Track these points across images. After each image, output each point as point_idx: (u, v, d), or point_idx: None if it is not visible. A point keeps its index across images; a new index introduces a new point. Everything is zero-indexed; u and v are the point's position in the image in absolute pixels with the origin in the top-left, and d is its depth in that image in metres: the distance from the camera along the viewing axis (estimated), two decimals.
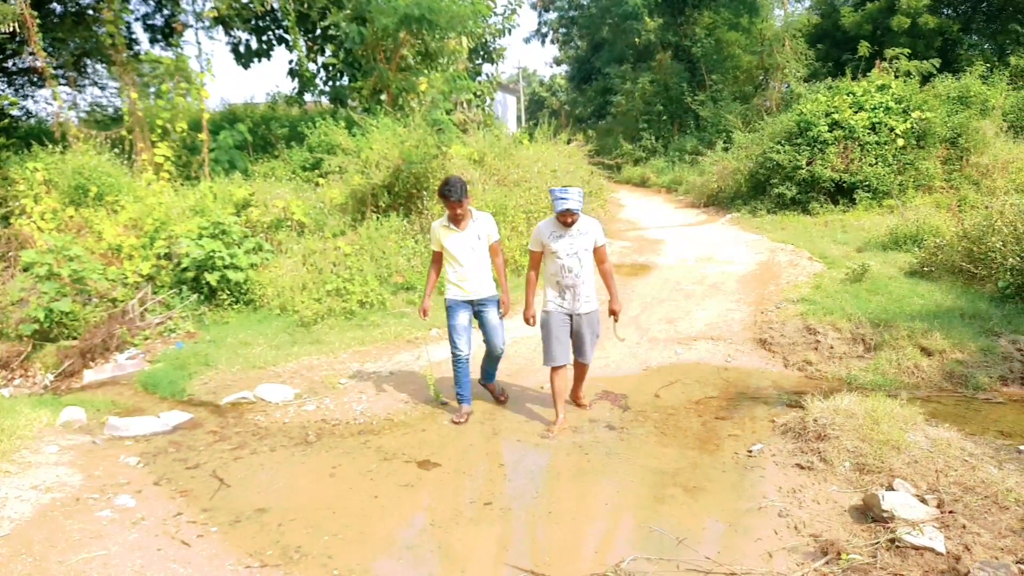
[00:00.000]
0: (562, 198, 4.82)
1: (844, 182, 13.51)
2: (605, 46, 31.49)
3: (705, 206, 16.86)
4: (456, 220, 5.21)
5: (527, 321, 5.19)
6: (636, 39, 27.61)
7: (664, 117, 25.42)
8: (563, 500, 4.15)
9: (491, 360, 5.65)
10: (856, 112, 13.98)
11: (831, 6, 25.00)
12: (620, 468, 4.59)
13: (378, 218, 9.56)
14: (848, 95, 14.45)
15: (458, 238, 5.26)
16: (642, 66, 27.26)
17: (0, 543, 3.65)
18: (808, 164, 13.78)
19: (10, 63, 13.77)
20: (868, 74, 15.55)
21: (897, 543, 3.41)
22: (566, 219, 4.87)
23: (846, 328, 6.81)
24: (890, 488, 3.88)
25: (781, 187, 14.12)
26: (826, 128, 13.86)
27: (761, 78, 24.21)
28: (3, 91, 14.58)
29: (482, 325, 5.42)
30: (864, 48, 18.17)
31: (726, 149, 18.12)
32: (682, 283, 9.45)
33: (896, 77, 15.30)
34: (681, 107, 24.81)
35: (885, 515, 3.61)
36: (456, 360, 5.42)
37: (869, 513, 3.73)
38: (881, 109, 13.92)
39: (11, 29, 9.40)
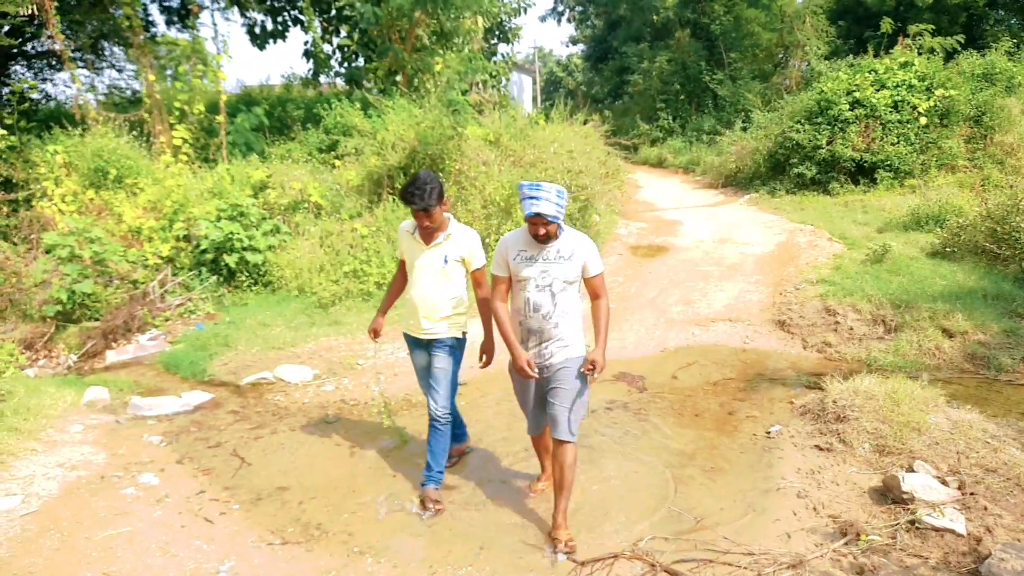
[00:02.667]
0: (531, 197, 3.35)
1: (865, 162, 13.31)
2: (622, 24, 31.10)
3: (723, 187, 16.70)
4: (424, 232, 3.90)
5: (521, 372, 3.55)
6: (654, 17, 27.22)
7: (682, 96, 25.10)
8: (580, 480, 4.16)
9: (430, 430, 4.05)
10: (878, 90, 13.74)
11: None
12: (637, 449, 4.60)
13: (394, 199, 9.55)
14: (870, 73, 14.21)
15: (421, 255, 3.94)
16: (659, 45, 26.90)
17: (29, 519, 3.73)
18: (828, 143, 13.60)
19: (29, 46, 13.83)
20: (891, 51, 15.28)
21: (917, 525, 3.39)
22: (537, 230, 3.40)
23: (866, 309, 6.75)
24: (910, 470, 3.86)
25: (800, 167, 13.94)
26: (847, 107, 13.64)
27: (781, 56, 23.84)
28: (23, 75, 14.69)
29: (428, 370, 4.10)
30: (887, 24, 17.82)
31: (745, 129, 17.90)
32: (699, 264, 9.39)
33: (919, 54, 15.02)
34: (699, 86, 24.49)
35: (905, 497, 3.60)
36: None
37: (889, 495, 3.72)
38: (904, 87, 13.67)
39: (29, 12, 9.43)
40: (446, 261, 3.93)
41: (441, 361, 4.02)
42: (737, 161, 16.53)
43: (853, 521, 3.49)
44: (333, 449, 4.75)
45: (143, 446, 4.80)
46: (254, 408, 5.55)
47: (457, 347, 4.08)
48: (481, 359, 4.01)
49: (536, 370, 3.54)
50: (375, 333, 4.34)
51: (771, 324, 7.09)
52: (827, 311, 6.95)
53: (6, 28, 10.47)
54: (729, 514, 3.75)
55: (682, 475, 4.21)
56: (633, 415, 5.14)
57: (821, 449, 4.33)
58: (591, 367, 3.48)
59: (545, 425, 3.79)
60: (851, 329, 6.61)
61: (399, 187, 9.74)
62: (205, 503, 4.03)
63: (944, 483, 3.71)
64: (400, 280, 4.24)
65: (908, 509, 3.52)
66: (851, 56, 16.40)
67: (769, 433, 4.68)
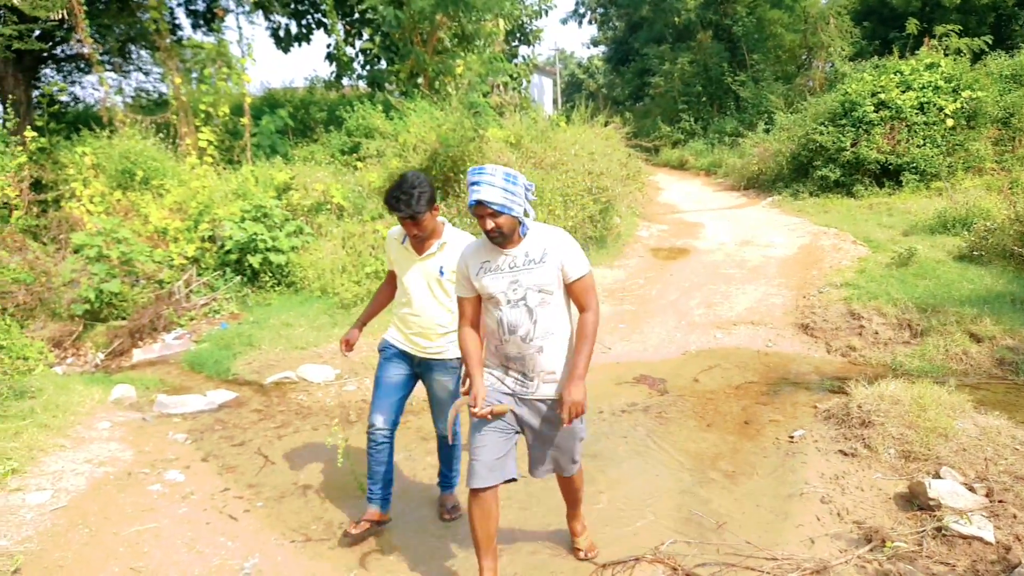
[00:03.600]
0: (472, 183, 2.76)
1: (890, 164, 13.15)
2: (644, 26, 31.02)
3: (745, 189, 16.59)
4: (415, 241, 3.47)
5: (470, 403, 2.89)
6: (676, 19, 27.14)
7: (703, 98, 24.99)
8: (601, 482, 4.16)
9: (442, 451, 3.87)
10: (904, 92, 13.57)
11: None
12: (659, 451, 4.58)
13: None
14: (895, 74, 14.04)
15: (414, 266, 3.50)
16: (681, 46, 26.79)
17: (59, 514, 3.80)
18: (853, 145, 13.46)
19: (59, 50, 14.05)
20: (916, 52, 15.08)
21: (944, 532, 3.35)
22: (485, 224, 2.77)
23: (892, 313, 6.67)
24: (937, 476, 3.81)
25: (824, 169, 13.81)
26: (872, 108, 13.49)
27: (804, 57, 23.63)
28: (52, 78, 14.95)
29: (428, 394, 3.73)
30: (912, 25, 17.60)
31: (767, 131, 17.77)
32: (721, 267, 9.34)
33: (946, 55, 14.81)
34: (721, 88, 24.36)
35: (932, 503, 3.55)
36: (369, 436, 3.60)
37: (915, 501, 3.67)
38: (930, 88, 13.49)
39: (60, 16, 9.61)
40: (442, 273, 3.47)
41: (442, 385, 3.60)
42: (759, 163, 16.42)
43: (878, 527, 3.45)
44: (355, 449, 4.78)
45: (169, 443, 4.87)
46: (277, 407, 5.61)
47: (457, 367, 3.60)
48: (465, 383, 3.28)
49: (487, 405, 2.86)
50: (347, 344, 3.78)
51: (794, 327, 7.03)
52: (851, 315, 6.88)
53: (37, 32, 10.66)
54: (752, 518, 3.72)
55: (704, 478, 4.19)
56: (654, 418, 5.12)
57: (845, 454, 4.29)
58: (565, 411, 2.79)
59: (503, 476, 2.94)
60: (876, 333, 6.53)
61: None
62: (229, 500, 4.08)
63: (971, 490, 3.65)
64: (387, 291, 3.80)
65: (935, 516, 3.47)
66: (876, 57, 16.21)
67: (792, 437, 4.64)
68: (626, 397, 5.54)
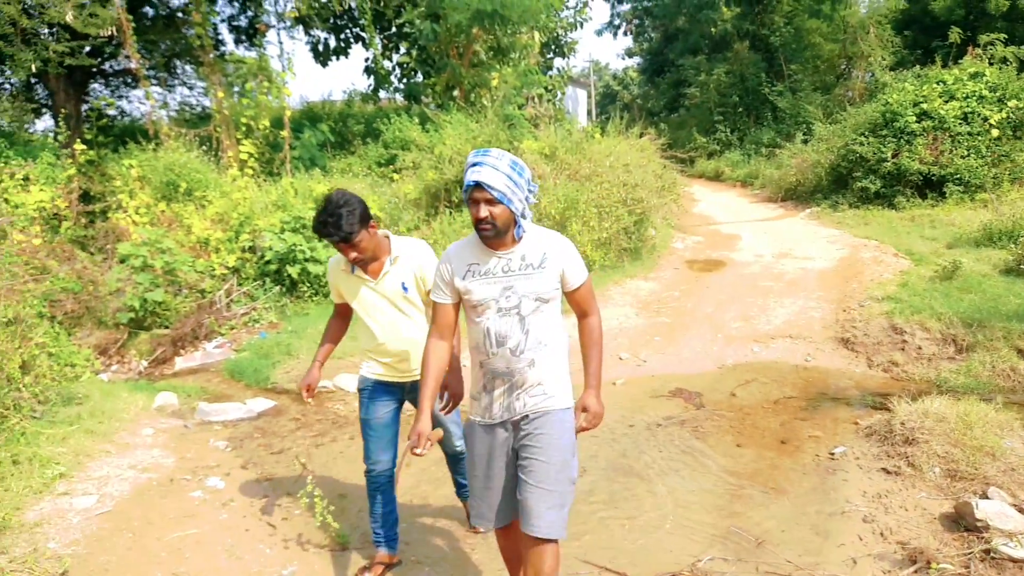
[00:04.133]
0: (473, 164, 2.45)
1: (933, 175, 12.87)
2: (679, 37, 30.89)
3: (782, 200, 16.38)
4: (361, 265, 3.15)
5: (413, 443, 2.64)
6: (712, 29, 26.99)
7: (740, 109, 24.78)
8: (637, 497, 4.13)
9: (453, 465, 3.72)
10: (947, 101, 13.30)
11: None
12: (695, 466, 4.54)
13: (451, 213, 9.68)
14: (938, 84, 13.77)
15: (371, 293, 3.20)
16: (717, 57, 26.63)
17: (104, 518, 3.89)
18: (894, 156, 13.21)
19: (107, 65, 14.54)
20: (960, 61, 14.77)
21: (993, 555, 3.25)
22: (478, 211, 2.42)
23: (935, 328, 6.52)
24: (984, 496, 3.70)
25: (864, 180, 13.58)
26: (914, 118, 13.24)
27: (843, 67, 23.32)
28: (101, 92, 15.46)
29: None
30: (955, 34, 17.24)
31: (805, 141, 17.54)
32: (758, 279, 9.22)
33: (991, 64, 14.48)
34: (758, 98, 24.13)
35: (979, 524, 3.45)
36: (369, 478, 3.43)
37: (961, 522, 3.57)
38: (974, 98, 13.20)
39: (109, 33, 9.93)
40: (406, 288, 3.19)
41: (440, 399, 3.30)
42: (797, 174, 16.22)
43: (923, 548, 3.37)
44: None
45: (209, 450, 4.96)
46: (315, 416, 5.68)
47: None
48: (443, 398, 3.11)
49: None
50: (309, 390, 3.43)
51: (834, 342, 6.91)
52: (894, 329, 6.74)
53: (87, 48, 11.02)
54: (791, 536, 3.66)
55: (742, 495, 4.13)
56: (690, 432, 5.07)
57: (888, 472, 4.19)
58: (584, 419, 2.64)
59: (514, 516, 2.67)
60: (919, 348, 6.39)
61: (456, 200, 9.85)
62: (269, 508, 4.14)
63: (1021, 511, 3.55)
64: (339, 324, 3.48)
65: (982, 538, 3.38)
66: (918, 67, 15.92)
67: (833, 454, 4.56)
68: (661, 410, 5.50)
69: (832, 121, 16.80)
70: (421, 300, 3.25)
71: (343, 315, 3.46)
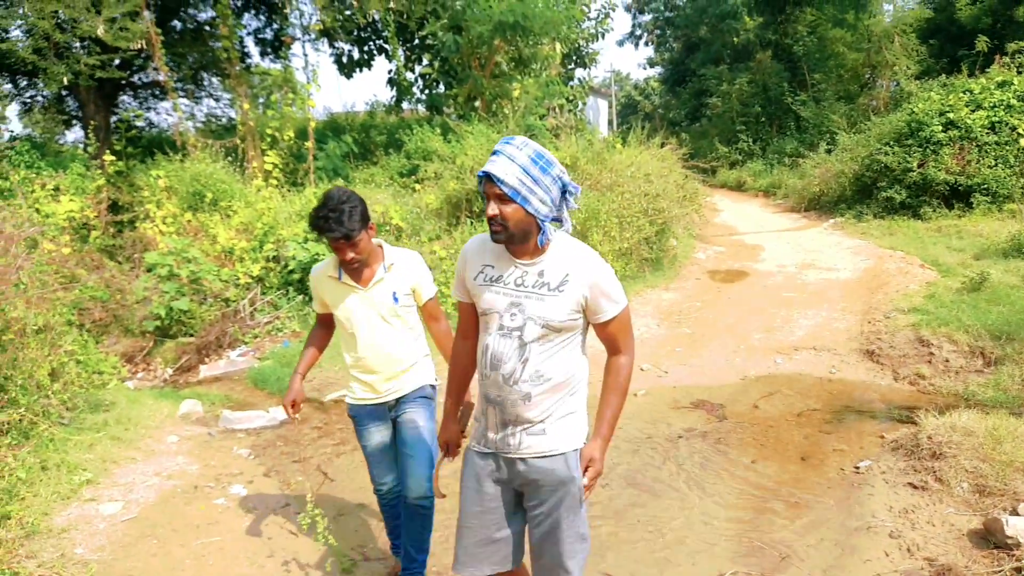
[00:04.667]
0: (493, 153, 2.11)
1: (960, 185, 12.71)
2: (701, 47, 30.87)
3: (806, 210, 16.26)
4: (352, 270, 2.98)
5: (444, 451, 2.61)
6: (734, 39, 26.94)
7: (762, 119, 24.67)
8: (658, 510, 4.10)
9: (407, 513, 3.18)
10: (973, 111, 13.14)
11: None
12: (718, 479, 4.50)
13: (472, 223, 9.72)
14: (964, 93, 13.61)
15: (358, 301, 3.02)
16: (739, 66, 26.55)
17: (129, 524, 3.94)
18: (920, 166, 13.06)
19: (136, 78, 14.82)
20: (987, 70, 14.59)
21: (1023, 573, 3.19)
22: (490, 215, 2.11)
23: (963, 340, 6.41)
24: (1014, 512, 3.63)
25: (889, 190, 13.44)
26: (940, 128, 13.09)
27: (868, 76, 23.12)
28: (130, 104, 15.76)
29: (397, 439, 3.19)
30: (982, 43, 17.04)
31: (829, 151, 17.40)
32: (781, 290, 9.15)
33: (1019, 72, 14.28)
34: (780, 108, 24.01)
35: (1009, 541, 3.39)
36: (378, 499, 3.41)
37: (991, 539, 3.51)
38: (1001, 107, 13.03)
39: (139, 46, 10.13)
40: (396, 299, 3.02)
41: (418, 416, 3.11)
42: (821, 184, 16.09)
43: (951, 565, 3.31)
44: None
45: (233, 458, 5.01)
46: (336, 424, 5.71)
47: (432, 397, 3.21)
48: (430, 412, 3.12)
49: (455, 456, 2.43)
50: (294, 406, 3.21)
51: (859, 354, 6.83)
52: (920, 341, 6.64)
53: (117, 61, 11.25)
54: (816, 551, 3.61)
55: (765, 508, 4.09)
56: (712, 445, 5.03)
57: (915, 487, 4.13)
58: (589, 466, 2.24)
59: (504, 557, 2.39)
60: (947, 361, 6.29)
61: (477, 210, 9.89)
62: (291, 516, 4.16)
63: None
64: (320, 337, 3.32)
65: (1013, 555, 3.31)
66: (944, 76, 15.76)
67: (858, 468, 4.50)
68: (683, 422, 5.46)
69: (856, 131, 16.67)
70: (411, 312, 3.12)
71: (326, 324, 3.28)
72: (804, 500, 4.17)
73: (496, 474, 2.32)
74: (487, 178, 2.09)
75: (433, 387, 3.23)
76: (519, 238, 2.14)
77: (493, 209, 2.09)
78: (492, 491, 2.33)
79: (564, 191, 2.16)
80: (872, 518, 3.87)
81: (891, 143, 13.77)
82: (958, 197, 12.85)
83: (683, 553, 3.66)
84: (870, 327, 7.28)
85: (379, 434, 3.20)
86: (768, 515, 4.01)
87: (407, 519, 3.18)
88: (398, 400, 3.14)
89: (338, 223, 2.77)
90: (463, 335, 2.45)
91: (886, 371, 6.44)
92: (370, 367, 3.08)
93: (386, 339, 3.06)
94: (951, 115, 13.17)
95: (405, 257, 3.10)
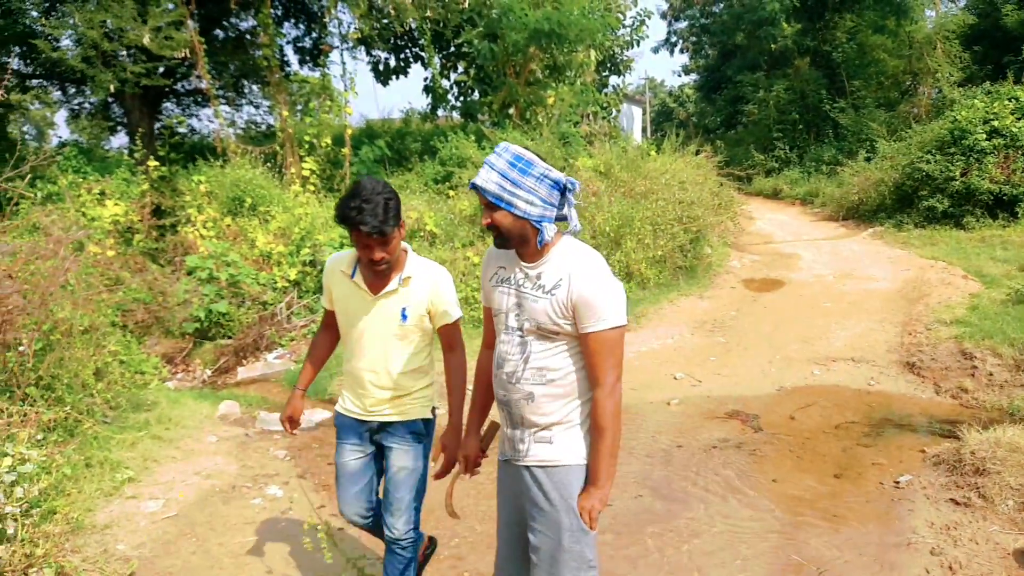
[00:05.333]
0: (486, 165, 2.12)
1: (1004, 194, 12.40)
2: (737, 54, 30.55)
3: (844, 219, 15.99)
4: (376, 270, 2.62)
5: (462, 466, 2.61)
6: (771, 45, 26.60)
7: (800, 126, 24.32)
8: (691, 521, 4.06)
9: (388, 551, 2.92)
10: (1019, 119, 12.81)
11: (991, 5, 23.02)
12: (752, 491, 4.44)
13: None
14: (1010, 100, 13.27)
15: (364, 308, 2.72)
16: (776, 73, 26.23)
17: (169, 523, 4.03)
18: (963, 175, 12.77)
19: (179, 85, 15.18)
20: None
21: None
22: (485, 224, 2.16)
23: (1008, 354, 6.25)
24: None
25: (931, 200, 13.17)
26: (984, 136, 12.79)
27: (909, 83, 22.67)
28: (173, 111, 16.14)
29: (384, 472, 2.92)
30: None
31: (868, 159, 17.11)
32: (819, 300, 9.01)
33: None
34: (818, 115, 23.64)
35: None
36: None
37: None
38: None
39: (183, 55, 10.38)
40: (405, 317, 2.68)
41: (401, 457, 2.80)
42: (860, 193, 15.81)
43: None
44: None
45: (269, 459, 5.09)
46: None
47: (424, 434, 2.87)
48: (419, 447, 2.85)
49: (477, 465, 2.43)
50: (292, 422, 2.99)
51: (899, 366, 6.69)
52: (963, 354, 6.49)
53: (161, 69, 11.53)
54: (854, 567, 3.54)
55: (802, 522, 4.02)
56: (747, 456, 4.97)
57: (957, 503, 4.03)
58: (584, 511, 2.15)
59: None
60: (990, 375, 6.13)
61: None
62: (326, 517, 4.22)
63: None
64: (326, 340, 3.00)
65: None
66: (988, 83, 15.39)
67: (898, 483, 4.41)
68: (717, 432, 5.40)
69: (897, 138, 16.36)
70: (419, 335, 2.76)
71: (333, 327, 2.92)
72: (842, 514, 4.10)
73: (507, 485, 2.36)
74: (475, 189, 2.12)
75: (427, 422, 2.87)
76: (517, 241, 2.16)
77: (486, 218, 2.13)
78: (506, 509, 2.38)
79: (563, 189, 2.14)
80: (912, 534, 3.79)
81: (933, 151, 13.50)
82: (1002, 207, 12.55)
83: (716, 566, 3.62)
84: (911, 339, 7.14)
85: (354, 454, 2.85)
86: (805, 529, 3.95)
87: (388, 557, 2.91)
88: (383, 425, 2.81)
89: (373, 215, 2.43)
90: (488, 345, 2.43)
91: (927, 384, 6.30)
92: (361, 381, 2.76)
93: (384, 357, 2.73)
94: (995, 123, 12.86)
95: (428, 272, 2.73)
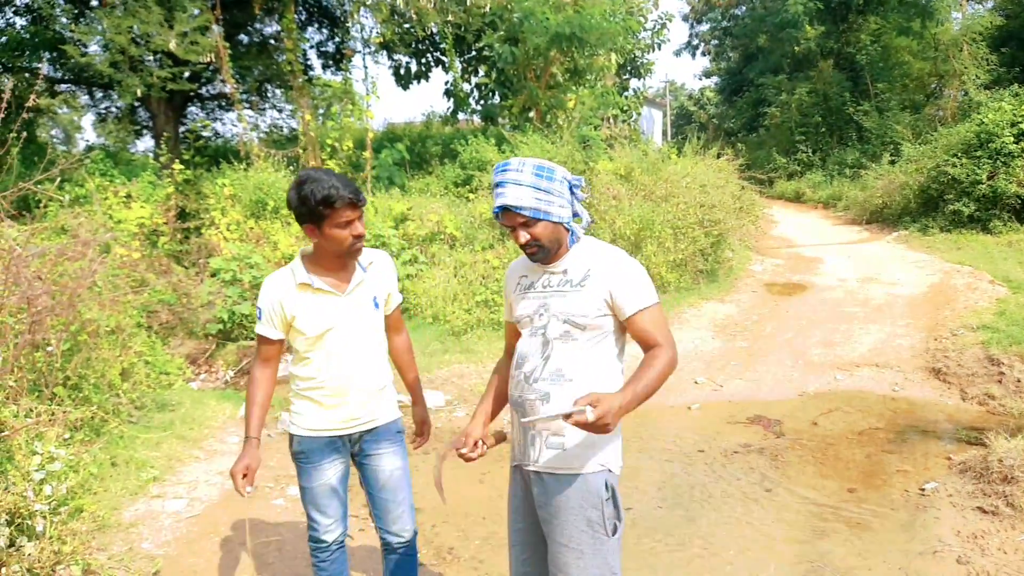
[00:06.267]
0: (497, 184, 2.11)
1: None
2: (759, 56, 30.37)
3: (867, 223, 15.81)
4: (355, 249, 2.46)
5: (456, 443, 2.31)
6: (794, 48, 26.40)
7: (822, 129, 24.10)
8: (712, 527, 4.03)
9: (394, 566, 2.82)
10: None
11: (1019, 6, 22.67)
12: (775, 498, 4.40)
13: None
14: None
15: (341, 311, 2.53)
16: (799, 76, 26.01)
17: (193, 522, 4.08)
18: (990, 178, 12.57)
19: (203, 90, 15.37)
20: None
21: None
22: (517, 237, 2.13)
23: None
24: None
25: (957, 203, 12.97)
26: (1012, 139, 12.58)
27: (934, 86, 22.38)
28: (197, 115, 16.35)
29: (368, 482, 2.74)
30: None
31: (893, 162, 16.91)
32: (842, 304, 8.91)
33: None
34: (842, 118, 23.42)
35: None
36: (316, 551, 2.75)
37: None
38: None
39: (208, 60, 10.52)
40: (377, 305, 2.60)
41: (392, 459, 2.70)
42: (884, 196, 15.63)
43: None
44: (464, 475, 4.86)
45: (290, 460, 5.10)
46: None
47: (403, 431, 2.80)
48: (414, 441, 2.83)
49: (482, 450, 2.27)
50: (247, 476, 2.55)
51: (924, 372, 6.60)
52: (990, 360, 6.39)
53: (186, 74, 11.69)
54: (878, 575, 3.50)
55: (825, 529, 3.98)
56: (769, 461, 4.93)
57: (985, 512, 3.97)
58: (588, 411, 1.85)
59: None
60: (1019, 381, 6.03)
61: None
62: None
63: None
64: (269, 376, 2.69)
65: None
66: (1015, 85, 15.15)
67: (924, 490, 4.35)
68: (739, 437, 5.37)
69: (922, 141, 16.15)
70: (382, 321, 2.66)
71: (273, 360, 2.68)
72: (866, 521, 4.05)
73: (516, 491, 2.33)
74: (505, 210, 2.10)
75: (397, 419, 2.76)
76: (555, 249, 2.18)
77: (524, 236, 2.12)
78: (517, 515, 2.35)
79: (571, 187, 2.19)
80: (938, 543, 3.73)
81: (959, 154, 13.31)
82: None
83: (737, 573, 3.59)
84: (936, 344, 7.04)
85: (334, 469, 2.66)
86: (828, 536, 3.90)
87: (399, 563, 2.78)
88: (364, 434, 2.64)
89: (347, 186, 2.33)
90: (509, 353, 2.41)
91: (953, 390, 6.21)
92: (342, 389, 2.56)
93: (365, 354, 2.58)
94: (1023, 126, 12.66)
95: (381, 256, 2.67)
